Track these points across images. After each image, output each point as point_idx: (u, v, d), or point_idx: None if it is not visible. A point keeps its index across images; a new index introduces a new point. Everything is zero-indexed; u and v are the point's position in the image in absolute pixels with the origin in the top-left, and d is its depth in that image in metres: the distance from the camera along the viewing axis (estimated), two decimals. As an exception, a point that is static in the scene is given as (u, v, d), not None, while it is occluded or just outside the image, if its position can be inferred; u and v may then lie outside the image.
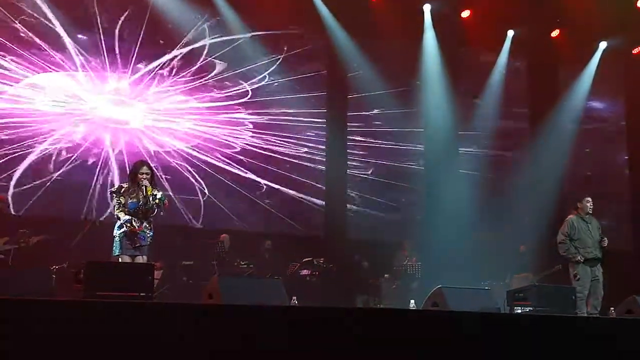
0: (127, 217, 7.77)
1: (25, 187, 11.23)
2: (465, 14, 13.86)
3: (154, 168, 8.35)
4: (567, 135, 14.46)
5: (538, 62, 14.75)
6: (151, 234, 7.91)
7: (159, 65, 12.19)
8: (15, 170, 11.20)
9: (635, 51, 14.67)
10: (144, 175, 7.90)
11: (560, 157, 14.30)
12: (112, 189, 8.07)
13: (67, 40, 11.63)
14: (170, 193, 11.73)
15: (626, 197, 15.04)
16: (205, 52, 12.50)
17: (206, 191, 12.35)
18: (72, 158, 11.54)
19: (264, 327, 5.42)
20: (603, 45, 14.41)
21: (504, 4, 13.39)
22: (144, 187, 7.85)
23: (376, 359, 5.68)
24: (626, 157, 15.25)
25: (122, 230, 7.76)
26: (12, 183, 11.16)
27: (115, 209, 7.88)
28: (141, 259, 7.75)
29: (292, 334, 5.46)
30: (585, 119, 14.75)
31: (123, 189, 7.90)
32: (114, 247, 7.81)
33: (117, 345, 4.90)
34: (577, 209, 9.80)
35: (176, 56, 12.28)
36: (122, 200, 7.83)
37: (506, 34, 14.23)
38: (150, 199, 7.86)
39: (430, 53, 13.82)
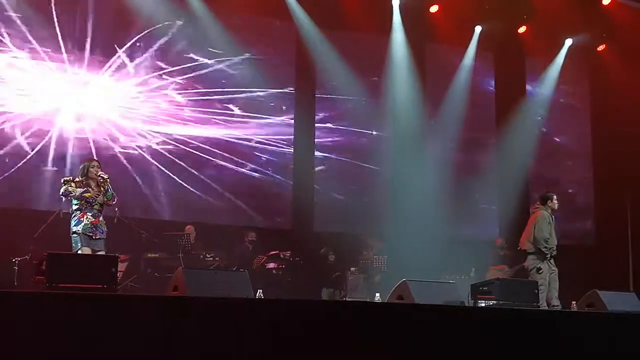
0: (81, 189, 7.92)
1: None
2: (434, 9, 13.92)
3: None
4: (532, 131, 14.62)
5: (505, 58, 14.87)
6: (106, 229, 8.07)
7: (122, 52, 12.01)
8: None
9: (600, 48, 14.86)
10: (96, 169, 8.10)
11: (525, 154, 14.48)
12: (65, 178, 8.13)
13: (24, 27, 11.41)
14: (122, 185, 11.71)
15: (589, 192, 15.26)
16: (171, 41, 12.37)
17: (172, 183, 12.25)
18: (34, 148, 11.35)
19: (229, 320, 5.41)
20: (569, 42, 14.57)
21: (472, -1, 13.50)
22: (100, 178, 8.03)
23: (342, 351, 5.71)
24: (590, 153, 15.43)
25: (82, 225, 7.77)
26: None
27: (63, 189, 7.93)
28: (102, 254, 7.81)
29: (256, 327, 5.46)
30: (550, 114, 14.91)
31: (76, 180, 8.01)
32: (74, 243, 7.85)
33: (78, 337, 4.85)
34: (547, 205, 9.95)
35: (140, 42, 12.13)
36: (71, 188, 7.91)
37: (474, 30, 14.32)
38: (110, 188, 8.06)
39: (398, 47, 13.86)
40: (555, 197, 10.03)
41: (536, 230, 9.73)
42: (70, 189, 7.91)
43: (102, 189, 8.05)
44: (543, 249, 9.66)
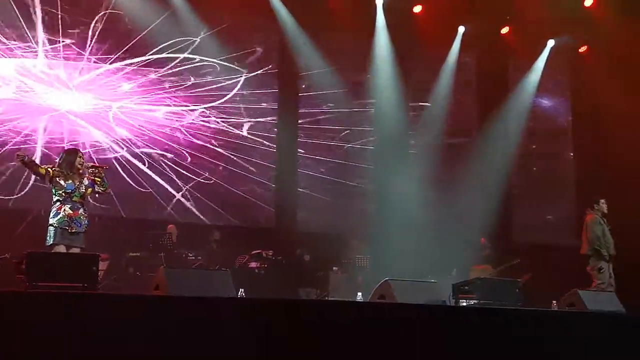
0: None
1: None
2: (417, 9, 13.96)
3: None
4: (514, 131, 14.68)
5: (488, 59, 14.91)
6: (87, 222, 7.88)
7: (107, 54, 11.98)
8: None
9: (582, 50, 14.95)
10: (82, 160, 7.98)
11: (507, 153, 14.54)
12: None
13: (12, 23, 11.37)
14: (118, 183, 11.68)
15: (571, 192, 15.32)
16: (155, 43, 12.32)
17: (153, 182, 12.21)
18: (13, 146, 11.28)
19: (211, 319, 5.40)
20: (551, 43, 14.66)
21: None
22: (93, 169, 7.93)
23: (323, 349, 5.71)
24: (571, 154, 15.53)
25: (58, 217, 7.68)
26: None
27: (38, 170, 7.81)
28: (76, 251, 7.68)
29: (238, 325, 5.45)
30: (532, 115, 14.99)
31: (55, 168, 7.87)
32: (48, 237, 7.74)
33: (59, 336, 4.82)
34: (595, 209, 10.27)
35: (125, 46, 12.08)
36: (48, 169, 7.78)
37: (457, 30, 14.37)
38: (99, 183, 7.95)
39: (382, 47, 13.88)
40: (602, 201, 10.34)
41: (588, 232, 10.13)
42: (47, 169, 7.77)
43: (96, 179, 7.93)
44: (598, 248, 9.98)
